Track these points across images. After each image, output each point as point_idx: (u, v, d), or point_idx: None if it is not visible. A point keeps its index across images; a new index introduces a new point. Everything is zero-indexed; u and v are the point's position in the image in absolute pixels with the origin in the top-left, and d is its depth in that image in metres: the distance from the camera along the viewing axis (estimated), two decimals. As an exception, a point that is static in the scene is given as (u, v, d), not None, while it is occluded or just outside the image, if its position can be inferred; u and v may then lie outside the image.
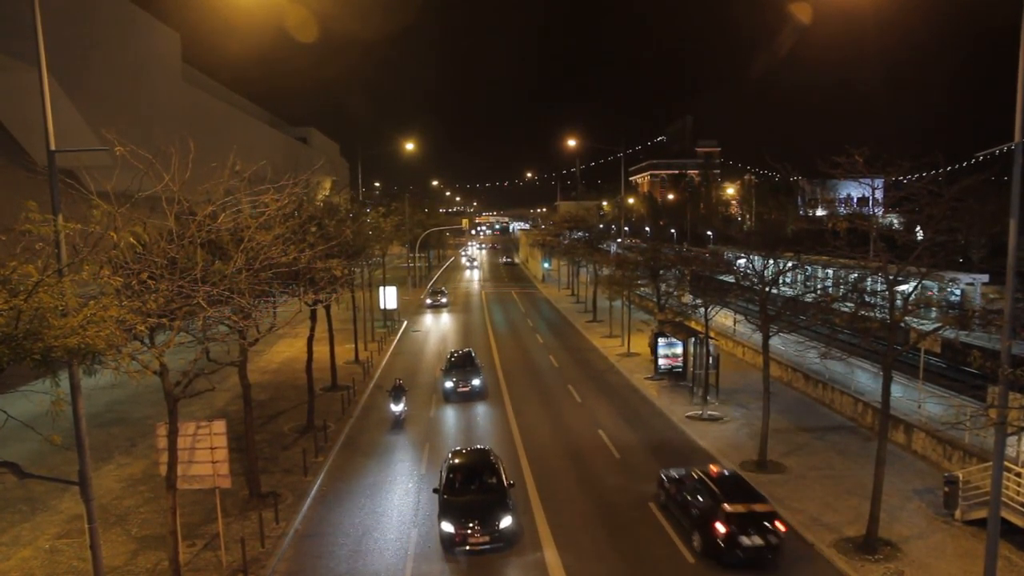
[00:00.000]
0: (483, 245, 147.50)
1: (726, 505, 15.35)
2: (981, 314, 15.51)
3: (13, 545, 16.63)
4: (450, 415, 27.75)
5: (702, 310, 27.24)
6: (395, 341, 43.81)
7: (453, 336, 45.62)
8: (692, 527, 16.34)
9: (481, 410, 28.22)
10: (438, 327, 49.27)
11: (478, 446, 20.63)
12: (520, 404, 28.97)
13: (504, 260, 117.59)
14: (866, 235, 16.63)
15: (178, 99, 43.06)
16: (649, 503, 18.86)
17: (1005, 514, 14.89)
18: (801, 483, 19.82)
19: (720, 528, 15.13)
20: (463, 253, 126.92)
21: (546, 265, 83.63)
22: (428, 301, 59.08)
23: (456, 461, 18.44)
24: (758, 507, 15.42)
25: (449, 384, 29.70)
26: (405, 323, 49.66)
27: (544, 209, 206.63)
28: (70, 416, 10.44)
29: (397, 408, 26.23)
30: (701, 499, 16.28)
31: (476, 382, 29.89)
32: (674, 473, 18.38)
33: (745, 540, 14.91)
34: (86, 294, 10.03)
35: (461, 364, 31.10)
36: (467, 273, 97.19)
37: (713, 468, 17.63)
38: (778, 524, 15.25)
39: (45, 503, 18.81)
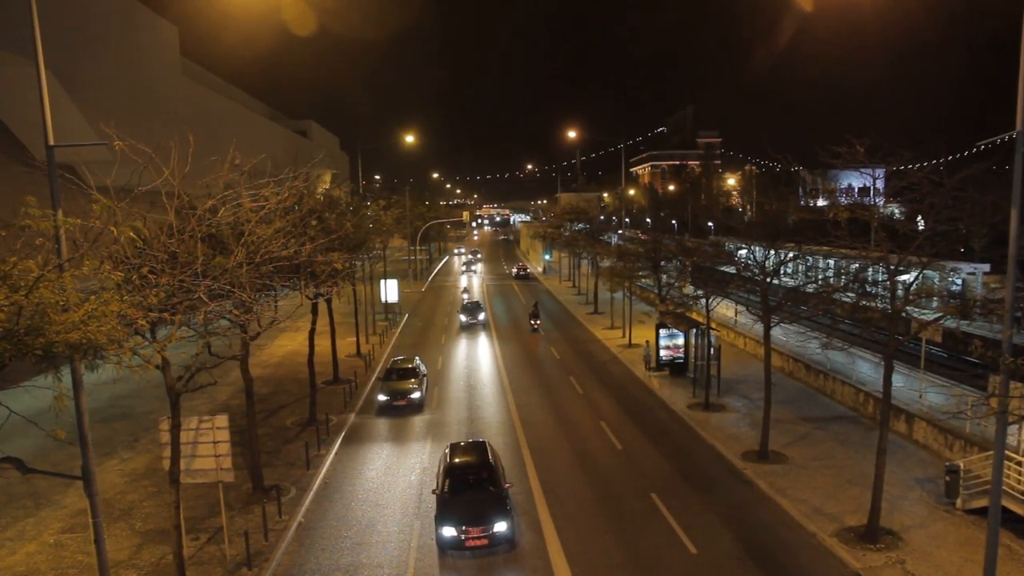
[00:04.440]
0: (479, 251, 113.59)
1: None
2: (982, 303, 15.50)
3: (18, 540, 16.73)
4: None
5: (703, 301, 27.25)
6: (396, 334, 43.85)
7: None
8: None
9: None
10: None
11: None
12: (526, 409, 28.97)
13: (502, 238, 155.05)
14: (867, 225, 16.60)
15: (177, 93, 42.95)
16: (651, 493, 18.95)
17: (1006, 503, 14.92)
18: (802, 473, 19.87)
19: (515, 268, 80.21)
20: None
21: (547, 257, 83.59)
22: (382, 397, 27.42)
23: None
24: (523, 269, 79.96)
25: (450, 532, 15.69)
26: (407, 316, 49.55)
27: (545, 201, 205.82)
28: (72, 411, 10.46)
29: None
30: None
31: (501, 527, 15.90)
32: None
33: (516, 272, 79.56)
34: (87, 289, 10.02)
35: (470, 495, 16.69)
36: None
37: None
38: (529, 270, 79.87)
39: (49, 498, 18.91)
